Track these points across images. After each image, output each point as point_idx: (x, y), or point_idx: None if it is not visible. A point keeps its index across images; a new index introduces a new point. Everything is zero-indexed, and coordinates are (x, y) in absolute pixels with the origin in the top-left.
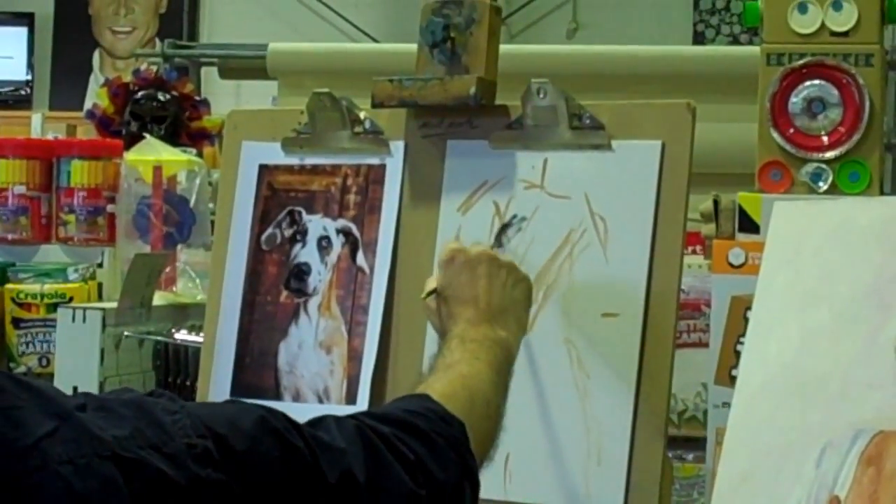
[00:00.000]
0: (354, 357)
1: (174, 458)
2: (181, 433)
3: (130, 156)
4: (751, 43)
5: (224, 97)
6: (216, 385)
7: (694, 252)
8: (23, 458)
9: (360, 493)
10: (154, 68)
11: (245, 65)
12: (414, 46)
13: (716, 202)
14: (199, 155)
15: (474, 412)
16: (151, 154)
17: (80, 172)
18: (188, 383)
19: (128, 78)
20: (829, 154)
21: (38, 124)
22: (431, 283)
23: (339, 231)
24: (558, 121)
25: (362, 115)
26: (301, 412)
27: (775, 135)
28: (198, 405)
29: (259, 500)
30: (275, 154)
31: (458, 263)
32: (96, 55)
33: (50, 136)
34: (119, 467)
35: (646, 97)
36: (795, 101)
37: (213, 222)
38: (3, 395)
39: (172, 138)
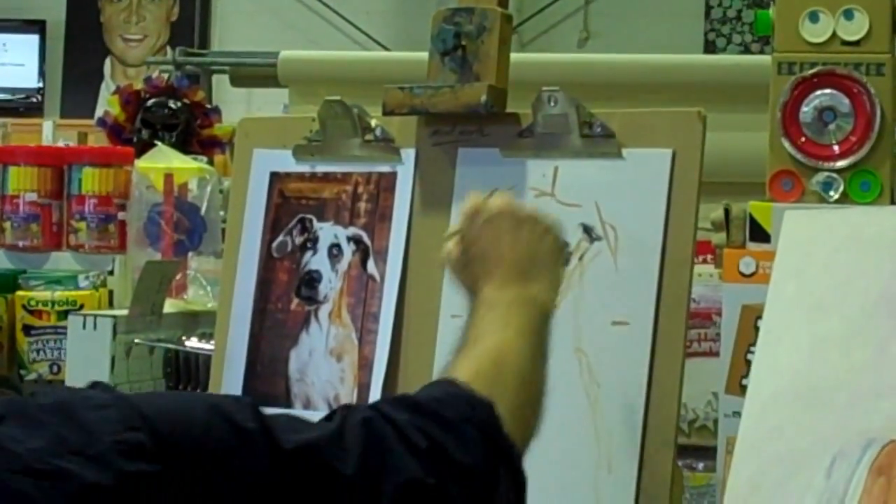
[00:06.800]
0: (365, 365)
1: (99, 459)
2: (108, 429)
3: (141, 163)
4: (762, 52)
5: (235, 105)
6: (227, 392)
7: (704, 261)
8: None
9: (346, 481)
10: (165, 76)
11: (256, 73)
12: (425, 54)
13: (726, 211)
14: (210, 163)
15: (505, 387)
16: (162, 162)
17: (91, 180)
18: (199, 391)
19: (139, 86)
20: (840, 163)
21: (50, 132)
22: (453, 227)
23: (349, 239)
24: (569, 129)
25: (373, 122)
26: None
27: (786, 144)
28: (144, 395)
29: (209, 487)
30: (286, 162)
31: (479, 221)
32: (107, 63)
33: (61, 144)
34: (34, 481)
35: (656, 106)
36: (806, 110)
37: (223, 230)
38: None
39: (183, 146)
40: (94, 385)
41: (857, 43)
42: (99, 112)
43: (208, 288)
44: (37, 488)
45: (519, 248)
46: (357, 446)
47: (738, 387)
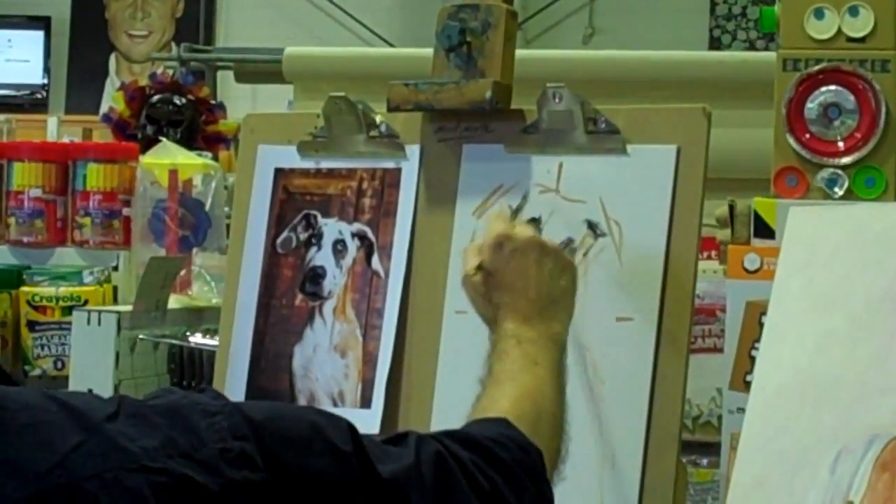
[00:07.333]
0: (369, 361)
1: (206, 463)
2: (215, 437)
3: (146, 159)
4: (767, 48)
5: (240, 101)
6: (231, 388)
7: (709, 257)
8: (46, 477)
9: None
10: (170, 72)
11: (261, 69)
12: (430, 51)
13: (731, 207)
14: (215, 159)
15: (542, 430)
16: (167, 157)
17: (95, 176)
18: (203, 387)
19: (144, 82)
20: (845, 160)
21: (55, 128)
22: (473, 259)
23: (354, 235)
24: (574, 125)
25: (378, 118)
26: None
27: (791, 140)
28: (253, 405)
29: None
30: (291, 158)
31: (507, 251)
32: (112, 59)
33: (66, 140)
34: (147, 478)
35: (661, 102)
36: (811, 106)
37: (228, 226)
38: (31, 411)
39: (188, 142)
40: (206, 392)
41: (862, 39)
42: (104, 108)
43: (212, 284)
44: (149, 486)
45: (542, 283)
46: (432, 481)
47: (742, 383)
